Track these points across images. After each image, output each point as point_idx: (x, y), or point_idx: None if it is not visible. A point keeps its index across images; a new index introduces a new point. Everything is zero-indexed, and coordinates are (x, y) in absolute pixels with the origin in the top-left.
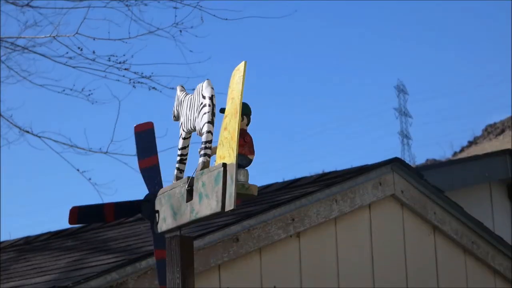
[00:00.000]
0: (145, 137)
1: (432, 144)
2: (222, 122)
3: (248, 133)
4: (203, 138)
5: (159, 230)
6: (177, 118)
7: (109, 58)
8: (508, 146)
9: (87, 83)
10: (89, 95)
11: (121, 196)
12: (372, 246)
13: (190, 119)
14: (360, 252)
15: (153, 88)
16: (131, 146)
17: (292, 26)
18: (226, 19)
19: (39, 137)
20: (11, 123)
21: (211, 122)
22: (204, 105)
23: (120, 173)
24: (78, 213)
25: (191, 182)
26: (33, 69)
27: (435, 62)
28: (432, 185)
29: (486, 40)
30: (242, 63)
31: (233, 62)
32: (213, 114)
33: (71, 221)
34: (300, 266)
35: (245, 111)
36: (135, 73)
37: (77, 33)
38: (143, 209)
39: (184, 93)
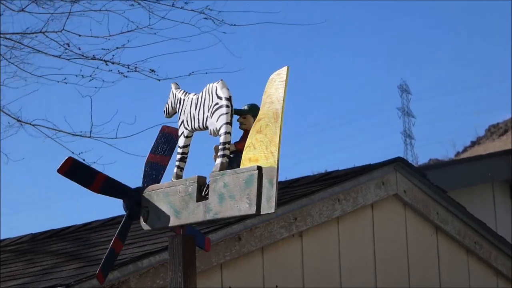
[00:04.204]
0: (167, 139)
1: (435, 144)
2: (254, 124)
3: None
4: (222, 139)
5: (151, 227)
6: (170, 115)
7: (101, 56)
8: (511, 147)
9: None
10: (90, 80)
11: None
12: (374, 246)
13: (198, 119)
14: (363, 251)
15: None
16: (111, 127)
17: (295, 23)
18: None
19: (32, 125)
20: (7, 114)
21: (229, 123)
22: (221, 106)
23: (106, 153)
24: (71, 166)
25: (203, 181)
26: (29, 65)
27: (438, 62)
28: (434, 185)
29: (489, 39)
30: (284, 69)
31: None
32: (231, 116)
33: (60, 169)
34: (303, 265)
35: (257, 113)
36: (124, 65)
37: (63, 30)
38: (128, 197)
39: (182, 91)
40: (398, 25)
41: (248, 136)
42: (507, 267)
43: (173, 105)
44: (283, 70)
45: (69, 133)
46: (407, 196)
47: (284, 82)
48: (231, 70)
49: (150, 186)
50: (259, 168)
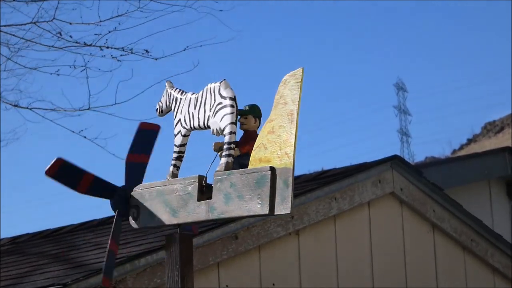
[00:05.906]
0: (146, 136)
1: (431, 142)
2: (264, 124)
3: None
4: (227, 139)
5: (142, 225)
6: (163, 114)
7: (93, 41)
8: (507, 144)
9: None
10: (82, 71)
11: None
12: (371, 244)
13: (198, 118)
14: (359, 249)
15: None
16: (109, 100)
17: (292, 23)
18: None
19: (29, 108)
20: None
21: (234, 123)
22: (225, 106)
23: (106, 128)
24: (59, 168)
25: (203, 180)
26: (22, 57)
27: (434, 60)
28: (431, 183)
29: (485, 37)
30: (299, 70)
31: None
32: (236, 116)
33: (48, 171)
34: (299, 263)
35: (258, 114)
36: (119, 49)
37: (54, 19)
38: (115, 197)
39: (178, 90)
40: (394, 23)
41: (258, 137)
42: (503, 265)
43: (167, 103)
44: (298, 72)
45: (66, 110)
46: (403, 194)
47: (300, 84)
48: (223, 40)
49: (141, 184)
50: (272, 169)
